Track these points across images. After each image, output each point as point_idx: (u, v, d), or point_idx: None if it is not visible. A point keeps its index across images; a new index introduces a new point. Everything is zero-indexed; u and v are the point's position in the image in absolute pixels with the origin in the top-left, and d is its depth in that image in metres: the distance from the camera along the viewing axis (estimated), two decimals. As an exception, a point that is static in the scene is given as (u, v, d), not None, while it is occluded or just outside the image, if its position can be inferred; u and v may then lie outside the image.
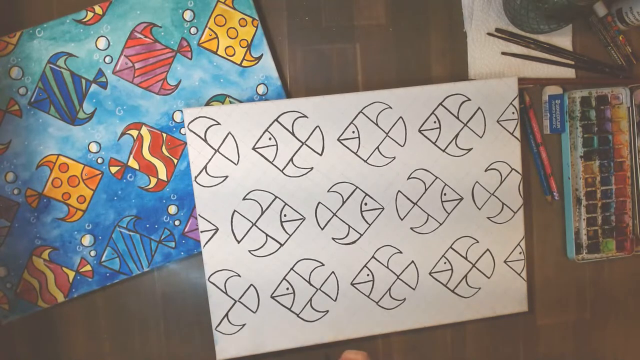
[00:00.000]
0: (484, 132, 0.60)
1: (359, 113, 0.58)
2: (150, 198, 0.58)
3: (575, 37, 0.64)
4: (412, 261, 0.60)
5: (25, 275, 0.57)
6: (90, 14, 0.57)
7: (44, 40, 0.56)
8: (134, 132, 0.58)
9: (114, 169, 0.58)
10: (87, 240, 0.58)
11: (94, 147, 0.58)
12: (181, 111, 0.58)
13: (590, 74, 0.65)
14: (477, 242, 0.61)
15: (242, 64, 0.59)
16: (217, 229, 0.57)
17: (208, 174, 0.56)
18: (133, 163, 0.58)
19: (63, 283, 0.58)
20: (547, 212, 0.65)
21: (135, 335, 0.61)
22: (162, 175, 0.58)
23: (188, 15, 0.58)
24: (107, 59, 0.57)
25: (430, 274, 0.61)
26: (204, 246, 0.57)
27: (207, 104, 0.59)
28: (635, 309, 0.68)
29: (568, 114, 0.63)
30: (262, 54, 0.59)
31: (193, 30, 0.58)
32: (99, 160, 0.58)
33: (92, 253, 0.58)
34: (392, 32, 0.62)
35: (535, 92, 0.64)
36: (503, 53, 0.63)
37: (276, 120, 0.56)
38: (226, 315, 0.58)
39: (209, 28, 0.58)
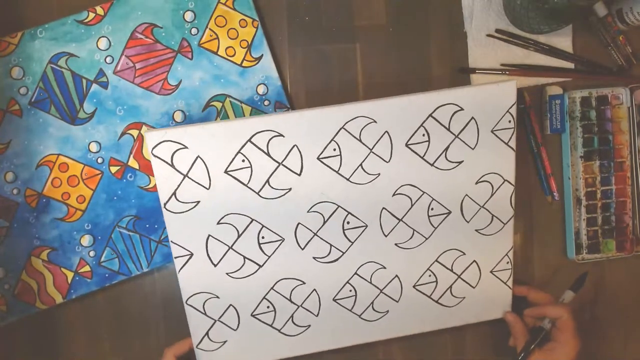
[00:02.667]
0: (477, 143, 0.56)
1: (340, 129, 0.53)
2: (150, 198, 0.58)
3: (575, 38, 0.64)
4: (396, 275, 0.58)
5: (23, 276, 0.57)
6: (91, 15, 0.57)
7: (46, 40, 0.56)
8: (134, 132, 0.58)
9: (114, 169, 0.58)
10: (86, 240, 0.58)
11: (94, 147, 0.57)
12: (182, 111, 0.58)
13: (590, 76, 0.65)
14: (464, 254, 0.59)
15: (243, 64, 0.59)
16: (191, 254, 0.54)
17: (178, 200, 0.52)
18: (133, 163, 0.58)
19: (62, 284, 0.58)
20: (547, 212, 0.65)
21: (135, 336, 0.60)
22: (162, 175, 0.58)
23: (189, 16, 0.58)
24: (108, 59, 0.57)
25: (414, 286, 0.59)
26: (179, 271, 0.54)
27: (208, 104, 0.59)
28: (636, 310, 0.67)
29: (568, 114, 0.63)
30: (262, 55, 0.59)
31: (194, 30, 0.58)
32: (99, 160, 0.58)
33: (92, 253, 0.58)
34: (392, 32, 0.62)
35: (535, 92, 0.64)
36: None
37: (249, 140, 0.52)
38: (206, 334, 0.56)
39: (210, 29, 0.58)
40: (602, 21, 0.63)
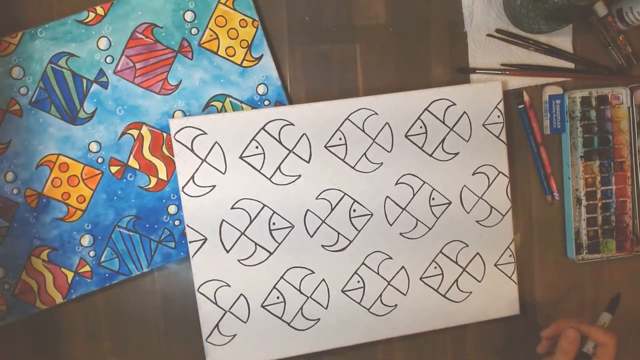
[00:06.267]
0: (470, 136, 0.60)
1: (345, 120, 0.57)
2: (150, 198, 0.58)
3: (575, 37, 0.64)
4: (403, 267, 0.60)
5: (23, 276, 0.57)
6: (91, 15, 0.57)
7: (46, 40, 0.56)
8: (135, 132, 0.58)
9: (114, 169, 0.58)
10: (86, 240, 0.58)
11: (94, 147, 0.57)
12: (182, 111, 0.58)
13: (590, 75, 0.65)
14: (467, 246, 0.61)
15: (243, 64, 0.59)
16: (205, 239, 0.56)
17: (195, 183, 0.56)
18: (133, 163, 0.58)
19: (62, 284, 0.57)
20: (547, 212, 0.65)
21: (135, 336, 0.60)
22: (162, 175, 0.58)
23: (189, 16, 0.58)
24: (108, 59, 0.57)
25: (421, 279, 0.60)
26: (193, 257, 0.56)
27: (208, 103, 0.59)
28: (636, 310, 0.68)
29: (568, 114, 0.64)
30: (262, 54, 0.59)
31: (194, 30, 0.58)
32: (99, 160, 0.58)
33: (92, 253, 0.58)
34: (392, 32, 0.62)
35: (536, 92, 0.64)
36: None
37: (262, 128, 0.56)
38: (216, 326, 0.57)
39: (210, 29, 0.58)
40: (602, 21, 0.63)
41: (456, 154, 0.60)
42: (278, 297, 0.58)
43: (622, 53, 0.64)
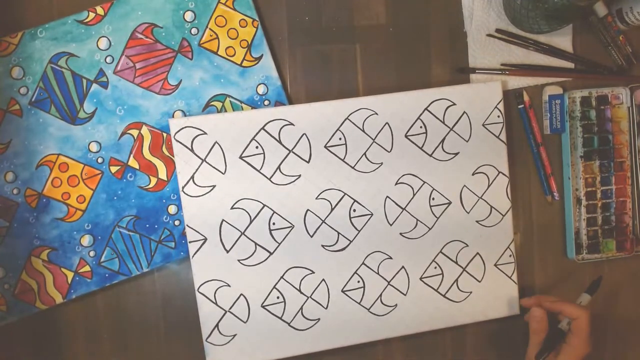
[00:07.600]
0: (470, 136, 0.60)
1: (345, 120, 0.58)
2: (150, 198, 0.58)
3: (575, 37, 0.64)
4: (403, 267, 0.60)
5: (23, 276, 0.57)
6: (91, 15, 0.57)
7: (46, 40, 0.56)
8: (135, 132, 0.58)
9: (114, 169, 0.58)
10: (86, 240, 0.58)
11: (94, 147, 0.57)
12: (182, 111, 0.58)
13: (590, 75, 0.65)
14: (467, 245, 0.61)
15: (243, 64, 0.59)
16: (205, 239, 0.56)
17: (195, 183, 0.56)
18: (133, 163, 0.58)
19: (62, 284, 0.57)
20: (547, 212, 0.65)
21: (135, 336, 0.60)
22: (162, 175, 0.58)
23: (189, 16, 0.58)
24: (108, 59, 0.57)
25: (421, 279, 0.60)
26: (193, 257, 0.56)
27: (208, 103, 0.59)
28: (636, 309, 0.68)
29: (568, 114, 0.64)
30: (262, 54, 0.59)
31: (194, 30, 0.58)
32: (99, 160, 0.58)
33: (92, 253, 0.58)
34: (392, 32, 0.62)
35: (536, 92, 0.64)
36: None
37: (262, 128, 0.56)
38: (216, 326, 0.57)
39: (210, 29, 0.59)
40: (602, 21, 0.63)
41: (456, 154, 0.60)
42: (278, 297, 0.58)
43: (622, 53, 0.64)
